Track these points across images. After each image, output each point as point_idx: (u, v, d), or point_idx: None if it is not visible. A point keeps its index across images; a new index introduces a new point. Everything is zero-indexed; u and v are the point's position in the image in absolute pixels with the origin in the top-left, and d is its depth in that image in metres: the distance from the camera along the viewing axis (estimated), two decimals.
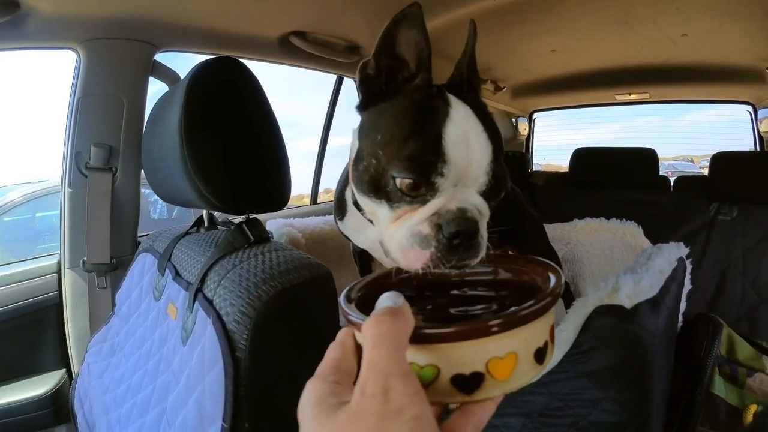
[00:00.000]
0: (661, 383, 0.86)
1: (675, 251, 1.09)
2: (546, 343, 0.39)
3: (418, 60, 0.60)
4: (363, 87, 0.62)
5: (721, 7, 1.63)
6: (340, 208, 0.92)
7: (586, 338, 0.78)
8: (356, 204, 0.74)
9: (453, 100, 0.58)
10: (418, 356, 0.36)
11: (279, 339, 0.70)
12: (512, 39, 1.86)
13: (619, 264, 1.48)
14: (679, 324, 1.19)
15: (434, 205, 0.53)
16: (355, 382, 0.33)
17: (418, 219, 0.54)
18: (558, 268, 0.45)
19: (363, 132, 0.62)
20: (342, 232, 0.97)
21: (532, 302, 0.38)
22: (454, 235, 0.52)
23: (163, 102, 0.93)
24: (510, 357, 0.36)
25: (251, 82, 0.84)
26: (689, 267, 1.16)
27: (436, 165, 0.52)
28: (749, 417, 1.20)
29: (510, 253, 0.56)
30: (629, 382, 0.78)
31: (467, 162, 0.54)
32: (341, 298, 0.45)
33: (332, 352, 0.38)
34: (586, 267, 1.57)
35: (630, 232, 1.53)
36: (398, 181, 0.54)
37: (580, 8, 1.67)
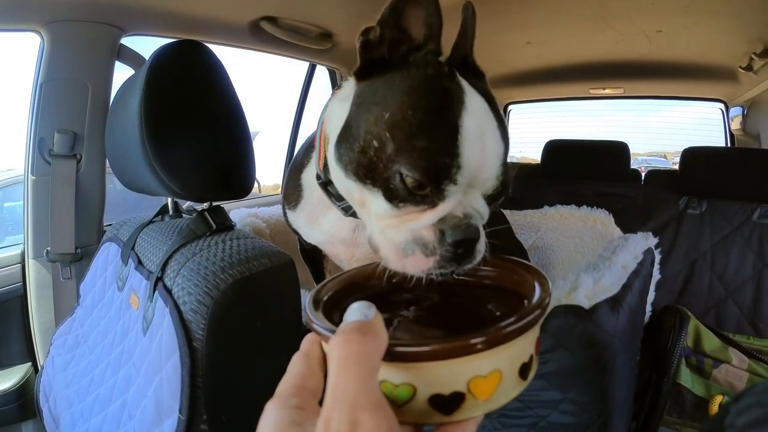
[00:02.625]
0: (623, 382, 0.85)
1: (642, 243, 1.09)
2: (531, 358, 0.37)
3: (427, 32, 0.54)
4: (363, 52, 0.55)
5: (695, 4, 1.65)
6: (292, 194, 0.82)
7: (543, 339, 0.76)
8: (325, 186, 0.67)
9: (465, 85, 0.53)
10: (391, 374, 0.33)
11: (237, 329, 0.68)
12: (487, 30, 1.85)
13: (589, 252, 1.48)
14: (648, 315, 1.21)
15: (442, 210, 0.49)
16: (320, 402, 0.29)
17: (422, 223, 0.49)
18: (544, 274, 0.42)
19: (362, 104, 0.55)
20: (290, 225, 0.88)
21: (518, 317, 0.34)
22: (458, 244, 0.48)
23: (125, 87, 0.91)
24: (494, 375, 0.33)
25: (215, 66, 0.82)
26: (657, 258, 1.16)
27: (450, 170, 0.48)
28: (715, 407, 1.23)
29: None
30: (588, 383, 0.76)
31: (481, 164, 0.50)
32: (306, 302, 0.40)
33: (295, 366, 0.34)
34: (556, 254, 1.56)
35: (600, 220, 1.53)
36: (405, 177, 0.48)
37: (555, 1, 1.68)
